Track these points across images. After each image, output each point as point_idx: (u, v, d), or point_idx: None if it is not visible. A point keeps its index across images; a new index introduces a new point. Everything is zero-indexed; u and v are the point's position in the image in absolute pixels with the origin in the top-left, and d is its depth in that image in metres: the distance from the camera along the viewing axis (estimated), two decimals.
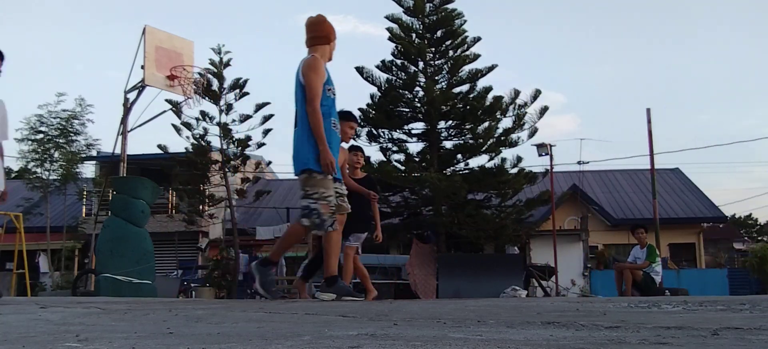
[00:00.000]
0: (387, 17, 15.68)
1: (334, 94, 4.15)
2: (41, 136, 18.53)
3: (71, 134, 18.62)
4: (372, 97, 15.80)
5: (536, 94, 15.29)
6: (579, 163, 20.59)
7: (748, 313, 2.60)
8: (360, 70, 15.62)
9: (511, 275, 11.49)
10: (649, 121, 17.00)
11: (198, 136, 15.20)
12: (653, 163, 17.18)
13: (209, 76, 14.70)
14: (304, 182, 3.96)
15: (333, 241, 4.11)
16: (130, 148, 12.93)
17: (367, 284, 5.94)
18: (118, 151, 12.93)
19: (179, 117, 14.87)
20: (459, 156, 15.55)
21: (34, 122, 18.42)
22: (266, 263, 4.12)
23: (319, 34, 4.23)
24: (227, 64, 15.22)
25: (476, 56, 15.50)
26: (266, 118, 15.25)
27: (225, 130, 15.11)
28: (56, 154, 18.66)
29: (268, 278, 4.07)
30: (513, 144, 15.27)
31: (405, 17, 15.65)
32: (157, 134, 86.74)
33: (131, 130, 12.81)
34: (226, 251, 15.50)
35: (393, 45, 15.75)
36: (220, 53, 15.15)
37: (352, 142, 5.98)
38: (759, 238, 38.26)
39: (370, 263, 13.74)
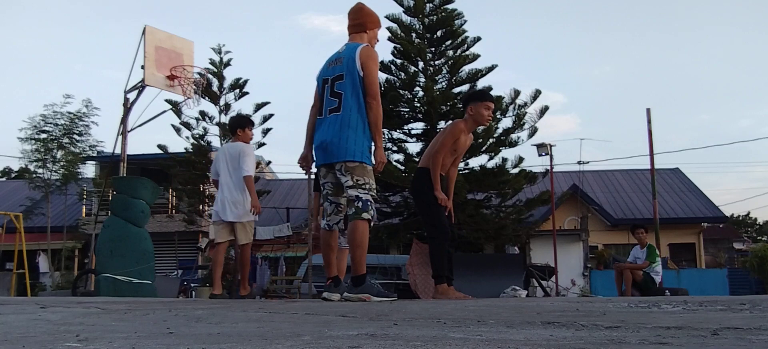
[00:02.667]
0: (387, 17, 15.68)
1: None
2: (45, 136, 18.56)
3: (75, 135, 18.67)
4: None
5: (536, 94, 15.30)
6: (579, 163, 20.61)
7: (748, 313, 2.60)
8: None
9: (511, 275, 11.48)
10: (649, 121, 17.00)
11: (198, 136, 15.22)
12: (653, 163, 17.18)
13: (209, 76, 14.71)
14: (356, 171, 3.86)
15: (367, 232, 3.92)
16: (130, 148, 12.90)
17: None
18: (118, 151, 12.92)
19: (179, 117, 14.89)
20: None
21: (38, 122, 18.46)
22: (360, 281, 3.91)
23: (367, 23, 4.17)
24: (227, 64, 15.25)
25: (476, 56, 15.50)
26: (266, 118, 15.28)
27: (225, 130, 15.12)
28: (59, 155, 18.70)
29: (375, 288, 3.90)
30: (513, 144, 15.26)
31: (405, 17, 15.65)
32: (157, 134, 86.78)
33: (131, 130, 12.79)
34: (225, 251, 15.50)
35: (393, 45, 15.75)
36: (220, 53, 15.18)
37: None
38: (758, 238, 38.27)
39: (370, 263, 13.74)
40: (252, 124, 6.39)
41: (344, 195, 4.00)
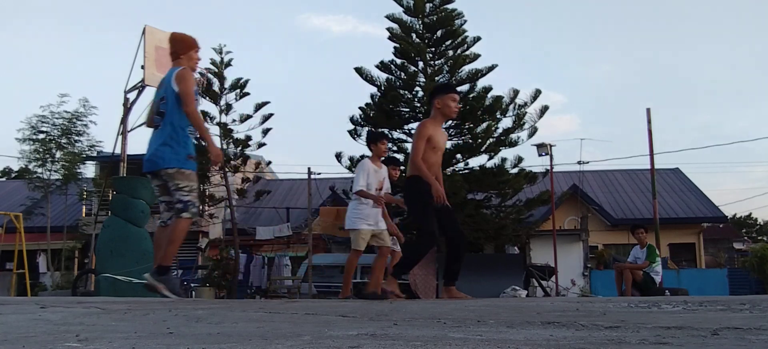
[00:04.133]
0: (387, 17, 15.68)
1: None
2: (43, 136, 18.54)
3: (74, 135, 18.65)
4: (372, 97, 15.81)
5: (536, 94, 15.29)
6: (579, 163, 20.57)
7: (748, 313, 2.60)
8: (359, 70, 15.63)
9: (511, 275, 11.49)
10: (649, 121, 16.98)
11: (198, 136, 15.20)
12: (653, 163, 17.17)
13: (210, 76, 14.70)
14: (174, 177, 4.42)
15: (185, 230, 4.53)
16: (130, 148, 12.90)
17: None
18: (118, 151, 12.93)
19: None
20: (459, 156, 15.54)
21: (36, 122, 18.44)
22: (164, 271, 4.51)
23: (178, 49, 4.77)
24: (228, 64, 15.22)
25: (476, 56, 15.49)
26: (266, 118, 15.27)
27: (225, 130, 15.11)
28: (58, 155, 18.68)
29: (172, 283, 4.52)
30: (513, 144, 15.26)
31: (405, 17, 15.64)
32: None
33: (131, 130, 12.80)
34: (226, 251, 15.50)
35: (393, 45, 15.75)
36: (220, 53, 15.16)
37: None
38: (759, 238, 38.26)
39: (369, 263, 13.75)
40: (381, 138, 6.54)
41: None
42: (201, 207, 16.21)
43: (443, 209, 5.07)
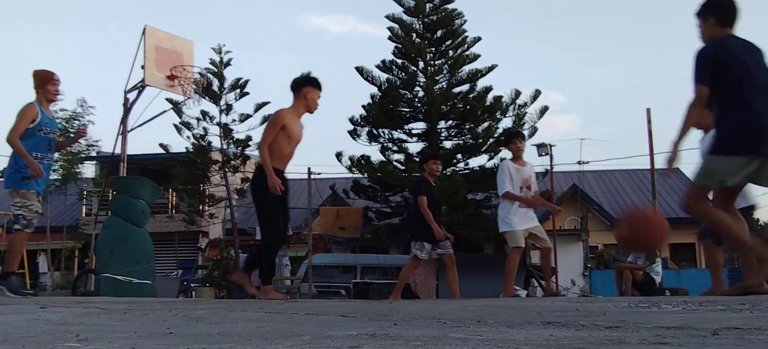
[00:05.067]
0: (387, 17, 15.67)
1: (46, 134, 5.38)
2: None
3: (71, 134, 18.63)
4: (372, 96, 15.81)
5: (536, 94, 15.28)
6: (579, 163, 20.55)
7: (748, 313, 2.60)
8: (360, 70, 15.62)
9: None
10: (649, 121, 16.95)
11: (198, 136, 15.19)
12: (653, 163, 17.15)
13: (209, 75, 14.69)
14: (12, 195, 5.24)
15: (23, 241, 5.32)
16: (130, 148, 12.89)
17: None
18: (118, 151, 12.92)
19: (179, 117, 14.87)
20: (459, 156, 15.53)
21: None
22: (4, 278, 5.18)
23: (35, 84, 5.40)
24: (228, 64, 15.21)
25: (476, 56, 15.48)
26: (266, 119, 15.24)
27: (225, 130, 15.10)
28: (56, 155, 18.65)
29: (12, 285, 5.14)
30: None
31: (405, 17, 15.63)
32: (157, 134, 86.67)
33: (131, 130, 12.79)
34: (226, 251, 15.49)
35: (393, 45, 15.74)
36: (220, 53, 15.15)
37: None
38: None
39: (369, 263, 13.74)
40: (513, 137, 6.67)
41: None
42: (201, 207, 16.23)
43: (282, 201, 5.00)
